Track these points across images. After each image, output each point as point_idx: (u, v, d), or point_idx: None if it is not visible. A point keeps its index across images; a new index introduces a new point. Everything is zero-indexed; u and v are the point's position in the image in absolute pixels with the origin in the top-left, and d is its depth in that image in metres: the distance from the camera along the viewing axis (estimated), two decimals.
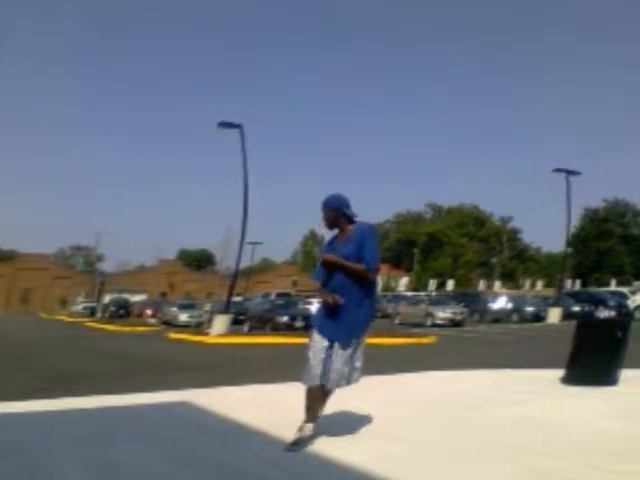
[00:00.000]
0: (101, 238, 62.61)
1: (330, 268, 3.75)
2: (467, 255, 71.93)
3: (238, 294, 35.21)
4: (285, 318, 21.27)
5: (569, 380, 6.34)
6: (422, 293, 37.76)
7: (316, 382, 3.63)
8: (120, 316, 37.77)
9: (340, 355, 3.65)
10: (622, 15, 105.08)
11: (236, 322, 21.19)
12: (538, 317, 23.47)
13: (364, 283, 3.70)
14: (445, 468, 3.27)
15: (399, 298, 32.69)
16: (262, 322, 21.95)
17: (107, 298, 46.46)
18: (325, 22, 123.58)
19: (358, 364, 3.76)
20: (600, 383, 6.06)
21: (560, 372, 6.59)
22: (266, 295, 37.07)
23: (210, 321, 20.50)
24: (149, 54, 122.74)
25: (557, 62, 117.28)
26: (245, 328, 22.28)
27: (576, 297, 25.95)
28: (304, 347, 3.80)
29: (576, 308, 22.73)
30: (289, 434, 3.77)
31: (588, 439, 3.89)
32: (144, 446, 3.92)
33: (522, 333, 17.93)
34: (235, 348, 14.68)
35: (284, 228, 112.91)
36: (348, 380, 3.73)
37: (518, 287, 54.41)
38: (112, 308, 40.24)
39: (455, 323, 22.70)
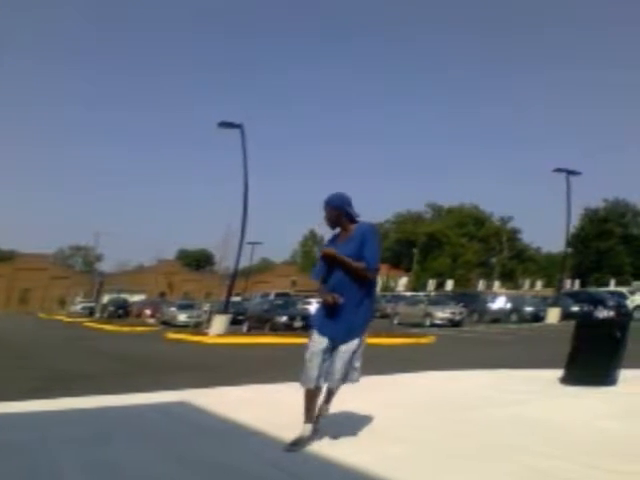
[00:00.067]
0: (100, 238, 62.43)
1: (330, 263, 3.73)
2: (466, 255, 72.00)
3: (237, 294, 35.21)
4: (284, 318, 21.26)
5: (568, 380, 6.34)
6: (421, 293, 37.78)
7: (314, 384, 3.63)
8: (119, 316, 37.74)
9: (341, 354, 3.65)
10: (622, 15, 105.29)
11: (235, 322, 21.19)
12: (537, 317, 23.47)
13: (364, 283, 3.69)
14: (444, 468, 3.27)
15: (398, 298, 32.69)
16: (261, 322, 21.95)
17: (106, 298, 46.41)
18: (325, 22, 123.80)
19: (357, 364, 3.76)
20: (599, 383, 6.06)
21: (559, 372, 6.59)
22: (265, 295, 37.07)
23: (209, 321, 20.49)
24: (149, 54, 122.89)
25: (557, 62, 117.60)
26: (244, 328, 22.28)
27: (575, 297, 25.97)
28: (303, 347, 3.79)
29: (575, 308, 22.81)
30: (288, 434, 3.77)
31: (587, 439, 3.90)
32: (143, 446, 3.92)
33: (521, 333, 17.93)
34: (234, 348, 14.68)
35: (284, 228, 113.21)
36: (349, 380, 3.73)
37: (517, 287, 54.43)
38: (111, 308, 40.22)
39: (454, 323, 22.70)
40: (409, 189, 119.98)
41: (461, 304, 25.40)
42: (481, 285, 51.45)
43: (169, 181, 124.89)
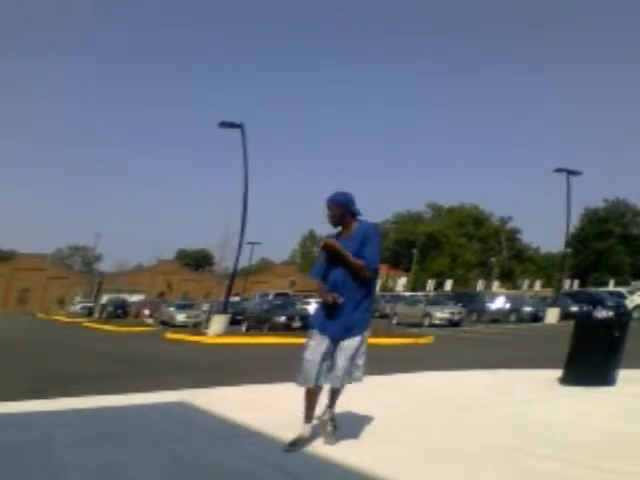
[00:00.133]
0: (100, 238, 62.46)
1: (330, 259, 3.69)
2: (466, 255, 72.05)
3: (236, 294, 35.20)
4: (283, 318, 21.25)
5: (567, 380, 6.34)
6: (420, 293, 37.79)
7: (314, 383, 3.61)
8: (118, 316, 37.66)
9: (344, 351, 3.62)
10: (622, 15, 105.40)
11: (234, 322, 21.18)
12: (536, 317, 23.46)
13: (363, 282, 3.67)
14: (444, 468, 3.26)
15: (397, 298, 32.68)
16: (260, 322, 21.93)
17: (105, 298, 46.31)
18: (325, 22, 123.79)
19: (360, 362, 3.71)
20: (598, 383, 6.06)
21: (558, 372, 6.59)
22: (264, 295, 37.08)
23: (208, 321, 20.47)
24: (149, 54, 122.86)
25: (557, 62, 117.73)
26: (243, 328, 22.27)
27: (574, 297, 25.95)
28: (302, 347, 3.77)
29: (574, 308, 22.77)
30: (287, 434, 3.76)
31: (586, 439, 3.89)
32: (142, 446, 3.90)
33: (520, 333, 17.93)
34: (233, 348, 14.66)
35: (283, 228, 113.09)
36: (353, 379, 3.68)
37: (516, 287, 54.46)
38: (110, 308, 40.15)
39: (453, 323, 22.70)
40: (409, 189, 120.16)
41: (460, 304, 25.41)
42: (480, 285, 51.49)
43: (169, 181, 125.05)
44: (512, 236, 78.43)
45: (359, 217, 3.81)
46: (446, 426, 4.37)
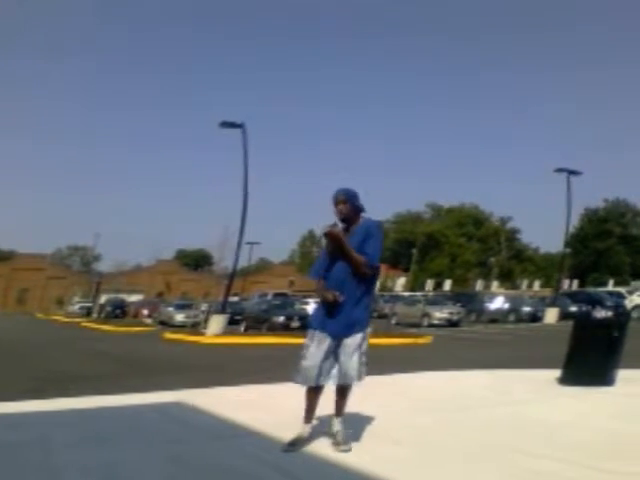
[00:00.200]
0: (100, 238, 62.43)
1: (332, 251, 3.65)
2: (465, 255, 72.05)
3: (235, 294, 35.16)
4: (281, 318, 21.23)
5: (566, 380, 6.34)
6: (419, 293, 37.80)
7: (315, 383, 3.60)
8: (116, 316, 37.63)
9: (346, 348, 3.59)
10: (622, 15, 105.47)
11: (232, 322, 21.15)
12: (535, 317, 23.48)
13: (363, 280, 3.65)
14: (444, 468, 3.26)
15: (396, 298, 32.69)
16: (258, 322, 21.91)
17: (103, 298, 46.20)
18: (325, 22, 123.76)
19: (362, 360, 3.68)
20: (597, 383, 6.06)
21: (557, 372, 6.59)
22: (263, 295, 37.03)
23: (206, 321, 20.45)
24: (149, 54, 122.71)
25: (557, 62, 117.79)
26: (241, 328, 22.25)
27: (573, 297, 25.98)
28: (300, 347, 3.76)
29: (573, 308, 22.78)
30: (286, 434, 3.75)
31: (585, 439, 3.89)
32: (140, 446, 3.89)
33: (519, 333, 17.93)
34: (231, 348, 14.65)
35: (282, 228, 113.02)
36: (354, 377, 3.63)
37: (515, 287, 54.53)
38: (108, 308, 40.10)
39: (452, 323, 22.70)
40: (409, 189, 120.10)
41: (459, 304, 25.40)
42: (479, 285, 51.54)
43: (169, 181, 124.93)
44: (511, 236, 78.45)
45: (363, 214, 3.79)
46: (445, 426, 4.36)
